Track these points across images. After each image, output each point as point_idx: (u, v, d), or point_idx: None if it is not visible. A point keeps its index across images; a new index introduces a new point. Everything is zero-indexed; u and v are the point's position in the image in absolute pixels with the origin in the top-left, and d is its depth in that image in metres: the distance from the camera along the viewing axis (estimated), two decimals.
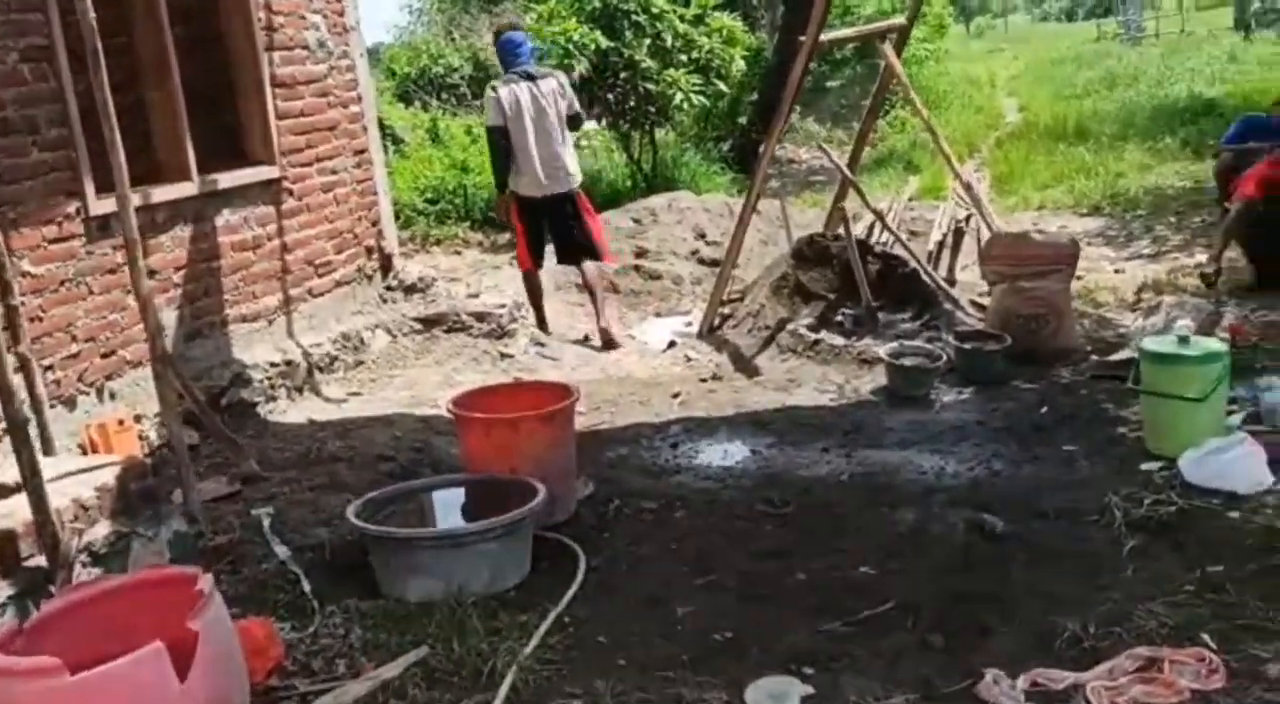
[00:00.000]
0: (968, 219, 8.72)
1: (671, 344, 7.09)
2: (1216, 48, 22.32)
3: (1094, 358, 5.71)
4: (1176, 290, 6.81)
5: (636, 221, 9.25)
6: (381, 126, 16.20)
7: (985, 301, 7.09)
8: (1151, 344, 4.46)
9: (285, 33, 5.90)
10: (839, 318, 6.74)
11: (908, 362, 5.64)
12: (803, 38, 6.45)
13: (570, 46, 10.52)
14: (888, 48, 6.89)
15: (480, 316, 6.61)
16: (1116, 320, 6.46)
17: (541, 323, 7.19)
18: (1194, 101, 15.40)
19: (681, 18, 11.45)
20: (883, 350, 5.71)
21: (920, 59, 18.99)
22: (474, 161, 11.91)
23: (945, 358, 5.67)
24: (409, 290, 6.71)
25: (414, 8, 29.05)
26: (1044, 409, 5.18)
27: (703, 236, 9.27)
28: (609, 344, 6.90)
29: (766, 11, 18.40)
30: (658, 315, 7.89)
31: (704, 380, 6.20)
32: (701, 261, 8.92)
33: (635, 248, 8.82)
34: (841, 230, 6.82)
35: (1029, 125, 16.49)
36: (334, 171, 6.28)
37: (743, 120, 15.57)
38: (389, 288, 6.70)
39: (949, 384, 5.69)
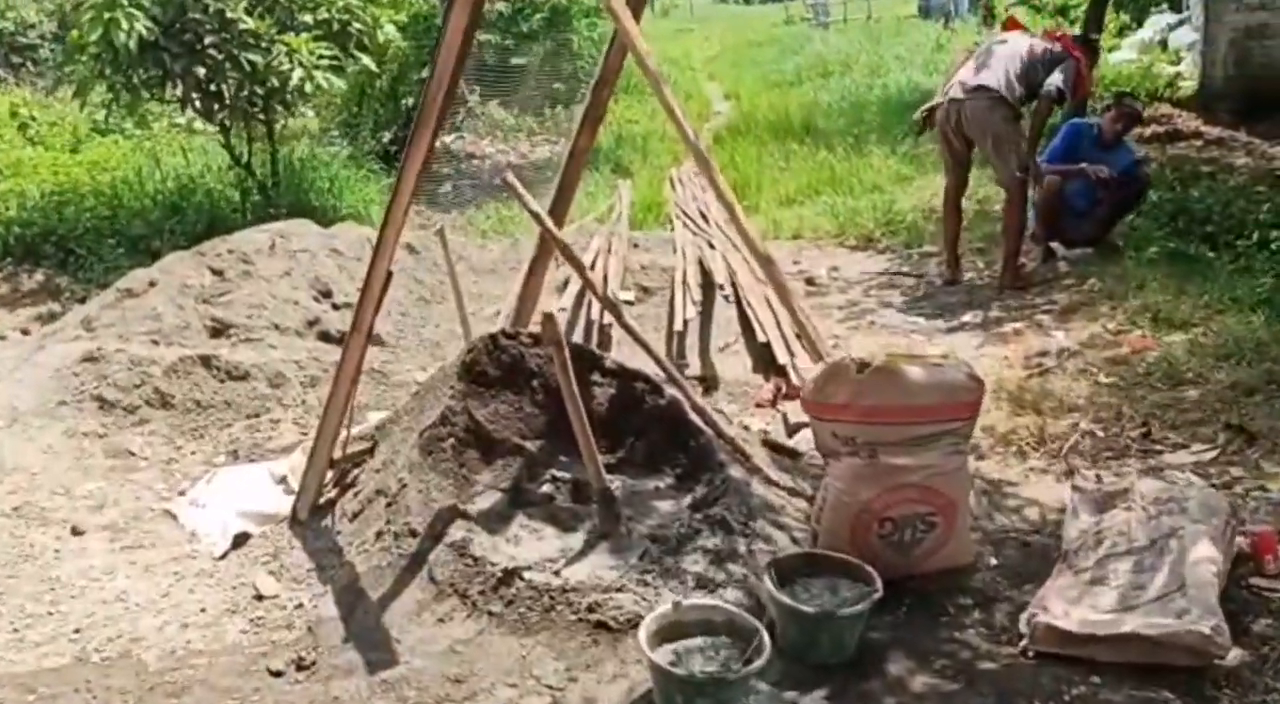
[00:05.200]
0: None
1: (240, 541, 3.82)
2: (920, 34, 21.09)
3: (1037, 613, 3.00)
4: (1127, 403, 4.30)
5: (216, 273, 5.79)
6: None
7: (767, 429, 4.44)
8: None
9: None
10: (545, 487, 3.77)
11: (698, 665, 2.70)
12: None
13: None
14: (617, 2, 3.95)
15: None
16: (1008, 483, 3.84)
17: None
18: (924, 95, 13.60)
19: None
20: (643, 632, 2.72)
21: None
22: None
23: (760, 629, 2.79)
24: None
25: None
26: None
27: (328, 296, 5.95)
28: None
29: None
30: (235, 455, 4.53)
31: (277, 673, 3.02)
32: (326, 338, 5.64)
33: (208, 322, 5.41)
34: (540, 326, 3.78)
35: (747, 118, 14.13)
36: None
37: (408, 101, 12.27)
38: None
39: (772, 678, 2.84)
